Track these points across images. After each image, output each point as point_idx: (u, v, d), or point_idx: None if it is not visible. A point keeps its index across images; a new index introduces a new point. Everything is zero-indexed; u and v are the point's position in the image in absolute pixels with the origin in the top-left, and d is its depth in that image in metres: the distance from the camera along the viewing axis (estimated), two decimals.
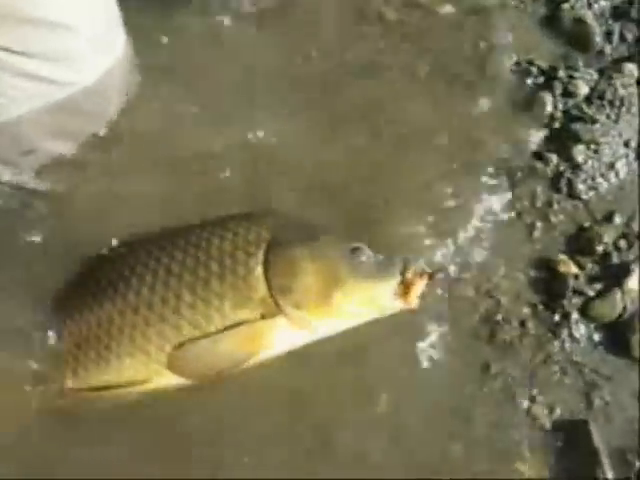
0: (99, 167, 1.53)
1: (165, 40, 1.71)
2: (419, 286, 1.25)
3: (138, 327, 1.22)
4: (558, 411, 1.30)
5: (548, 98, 1.64)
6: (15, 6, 1.37)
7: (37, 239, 1.40)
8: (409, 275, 1.25)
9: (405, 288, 1.24)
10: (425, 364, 1.30)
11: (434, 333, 1.33)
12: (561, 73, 1.68)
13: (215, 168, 1.51)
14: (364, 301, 1.24)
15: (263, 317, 1.22)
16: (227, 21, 1.75)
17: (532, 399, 1.30)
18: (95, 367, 1.22)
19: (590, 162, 1.55)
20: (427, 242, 1.42)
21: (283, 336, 1.23)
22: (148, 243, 1.30)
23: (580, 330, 1.37)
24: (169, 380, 1.21)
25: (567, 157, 1.55)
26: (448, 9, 1.81)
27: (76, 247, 1.35)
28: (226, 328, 1.20)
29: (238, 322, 1.21)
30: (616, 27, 1.77)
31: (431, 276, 1.28)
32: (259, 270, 1.23)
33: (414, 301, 1.25)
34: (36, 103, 1.49)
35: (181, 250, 1.26)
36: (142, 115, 1.59)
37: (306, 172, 1.50)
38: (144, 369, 1.21)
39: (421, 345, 1.32)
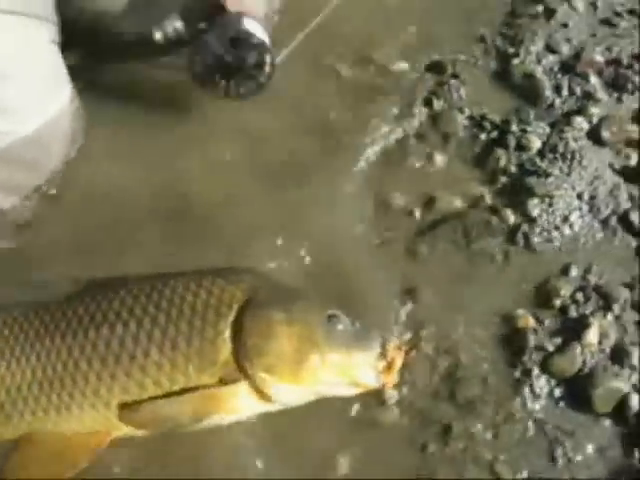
0: (46, 221, 1.52)
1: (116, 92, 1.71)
2: (399, 362, 1.22)
3: (103, 379, 1.19)
4: (522, 470, 1.28)
5: (502, 153, 1.66)
6: None
7: None
8: (390, 351, 1.22)
9: (387, 364, 1.21)
10: (386, 426, 1.28)
11: (393, 393, 1.32)
12: (514, 127, 1.70)
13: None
14: (339, 371, 1.20)
15: (223, 381, 1.19)
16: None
17: (495, 458, 1.29)
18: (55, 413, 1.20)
19: (545, 216, 1.56)
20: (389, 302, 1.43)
21: (243, 402, 1.20)
22: (122, 289, 1.26)
23: (541, 386, 1.36)
24: (128, 432, 1.20)
25: (522, 211, 1.56)
26: (402, 66, 1.84)
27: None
28: (187, 390, 1.18)
29: (199, 385, 1.18)
30: (564, 81, 1.80)
31: (408, 351, 1.27)
32: (227, 332, 1.19)
33: (393, 380, 1.23)
34: None
35: (154, 304, 1.22)
36: (89, 166, 1.58)
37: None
38: (103, 421, 1.20)
39: (381, 407, 1.30)
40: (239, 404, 1.21)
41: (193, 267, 1.32)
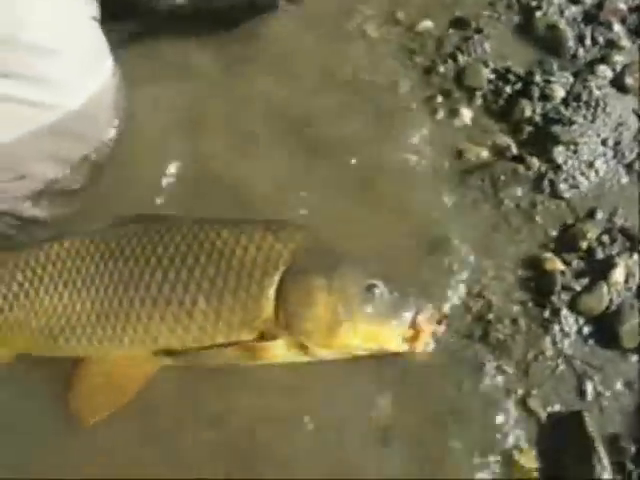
0: (92, 190, 1.59)
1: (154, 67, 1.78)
2: (428, 332, 1.30)
3: (153, 319, 1.29)
4: (553, 404, 1.35)
5: (526, 103, 1.70)
6: (1, 31, 1.41)
7: None
8: (420, 321, 1.29)
9: (414, 333, 1.30)
10: (423, 365, 1.35)
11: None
12: (538, 78, 1.74)
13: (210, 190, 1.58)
14: (370, 338, 1.29)
15: (263, 336, 1.28)
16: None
17: (527, 394, 1.35)
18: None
19: (570, 162, 1.60)
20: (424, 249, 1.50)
21: (280, 355, 1.30)
22: (178, 234, 1.34)
23: (570, 324, 1.43)
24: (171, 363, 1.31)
25: (548, 159, 1.61)
26: (426, 24, 1.88)
27: None
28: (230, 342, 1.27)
29: (241, 337, 1.27)
30: (587, 31, 1.83)
31: (439, 322, 1.33)
32: (271, 292, 1.28)
33: (420, 347, 1.31)
34: (25, 128, 1.51)
35: (206, 254, 1.30)
36: (134, 137, 1.65)
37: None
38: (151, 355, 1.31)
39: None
40: (276, 356, 1.30)
41: None
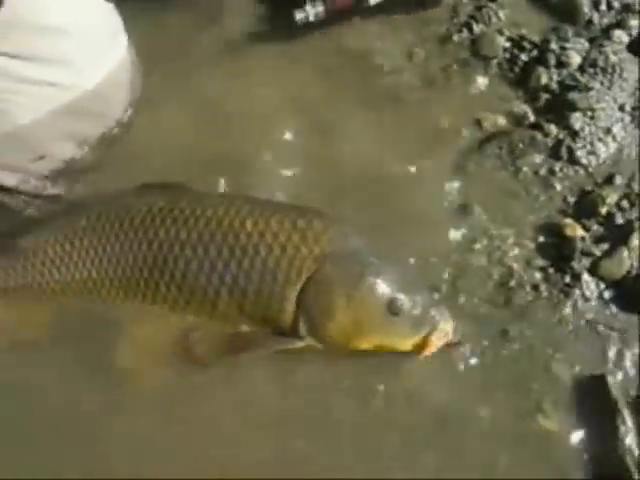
0: (110, 169, 1.60)
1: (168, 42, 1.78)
2: (435, 347, 1.32)
3: (182, 292, 1.32)
4: (576, 367, 1.36)
5: (542, 71, 1.70)
6: (15, 12, 1.41)
7: None
8: (433, 337, 1.31)
9: (424, 343, 1.31)
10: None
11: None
12: (553, 45, 1.73)
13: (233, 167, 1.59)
14: (383, 347, 1.32)
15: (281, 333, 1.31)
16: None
17: (551, 358, 1.37)
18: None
19: (588, 128, 1.60)
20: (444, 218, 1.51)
21: (296, 349, 1.32)
22: (202, 217, 1.34)
23: (591, 289, 1.44)
24: None
25: (565, 125, 1.61)
26: None
27: None
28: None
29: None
30: None
31: (450, 345, 1.34)
32: (293, 298, 1.29)
33: (424, 355, 1.33)
34: (42, 108, 1.53)
35: (229, 249, 1.31)
36: (150, 115, 1.66)
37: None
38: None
39: None
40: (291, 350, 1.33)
41: None
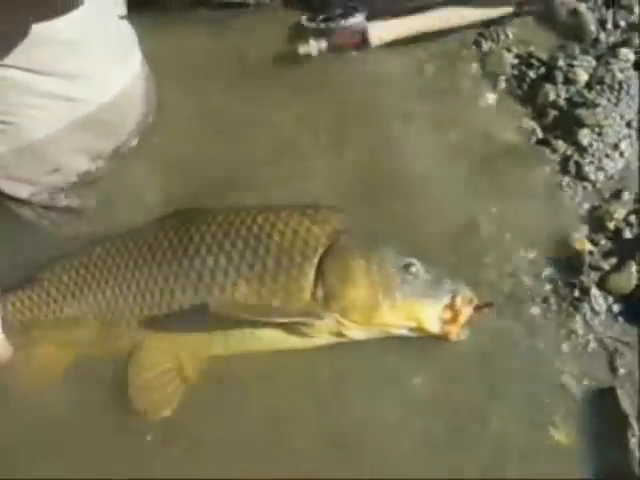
0: (124, 181, 1.63)
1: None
2: (465, 315, 1.32)
3: (194, 307, 1.33)
4: (586, 381, 1.37)
5: (550, 88, 1.73)
6: (34, 29, 1.43)
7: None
8: (457, 302, 1.32)
9: (452, 315, 1.32)
10: (457, 344, 1.38)
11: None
12: (561, 62, 1.76)
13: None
14: (407, 317, 1.32)
15: (304, 316, 1.31)
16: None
17: (561, 371, 1.38)
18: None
19: (595, 144, 1.63)
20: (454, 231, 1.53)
21: (319, 334, 1.33)
22: (213, 222, 1.38)
23: (599, 303, 1.45)
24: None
25: (573, 141, 1.63)
26: None
27: None
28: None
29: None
30: (609, 15, 1.85)
31: (478, 307, 1.35)
32: (311, 274, 1.31)
33: (458, 331, 1.33)
34: (57, 122, 1.56)
35: (243, 240, 1.34)
36: (162, 128, 1.69)
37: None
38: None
39: None
40: (314, 335, 1.33)
41: None
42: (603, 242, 1.51)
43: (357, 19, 1.81)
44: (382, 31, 1.79)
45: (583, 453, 1.30)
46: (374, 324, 1.31)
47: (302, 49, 1.78)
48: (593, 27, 1.81)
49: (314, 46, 1.78)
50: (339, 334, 1.32)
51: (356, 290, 1.30)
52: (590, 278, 1.47)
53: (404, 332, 1.33)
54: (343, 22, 1.81)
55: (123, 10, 1.68)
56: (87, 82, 1.57)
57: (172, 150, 1.69)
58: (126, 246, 1.41)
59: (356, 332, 1.32)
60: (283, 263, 1.31)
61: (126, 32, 1.67)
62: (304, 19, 1.84)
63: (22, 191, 1.60)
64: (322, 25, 1.82)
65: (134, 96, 1.68)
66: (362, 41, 1.79)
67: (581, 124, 1.65)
